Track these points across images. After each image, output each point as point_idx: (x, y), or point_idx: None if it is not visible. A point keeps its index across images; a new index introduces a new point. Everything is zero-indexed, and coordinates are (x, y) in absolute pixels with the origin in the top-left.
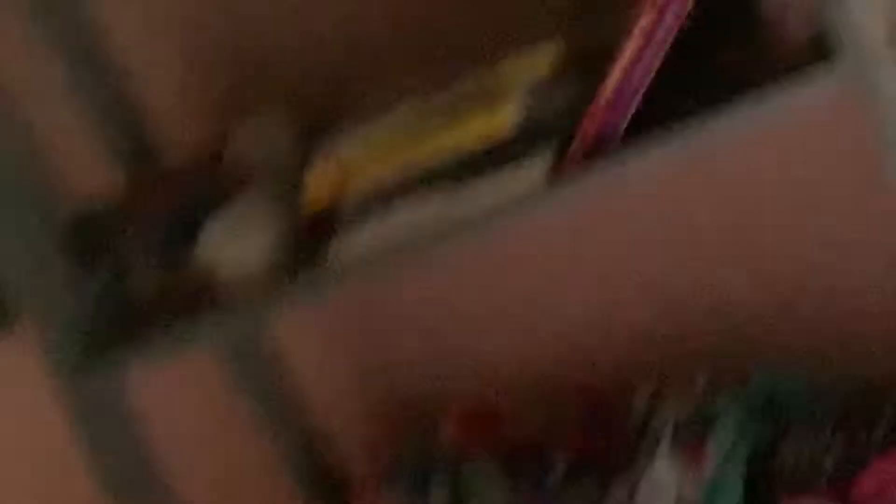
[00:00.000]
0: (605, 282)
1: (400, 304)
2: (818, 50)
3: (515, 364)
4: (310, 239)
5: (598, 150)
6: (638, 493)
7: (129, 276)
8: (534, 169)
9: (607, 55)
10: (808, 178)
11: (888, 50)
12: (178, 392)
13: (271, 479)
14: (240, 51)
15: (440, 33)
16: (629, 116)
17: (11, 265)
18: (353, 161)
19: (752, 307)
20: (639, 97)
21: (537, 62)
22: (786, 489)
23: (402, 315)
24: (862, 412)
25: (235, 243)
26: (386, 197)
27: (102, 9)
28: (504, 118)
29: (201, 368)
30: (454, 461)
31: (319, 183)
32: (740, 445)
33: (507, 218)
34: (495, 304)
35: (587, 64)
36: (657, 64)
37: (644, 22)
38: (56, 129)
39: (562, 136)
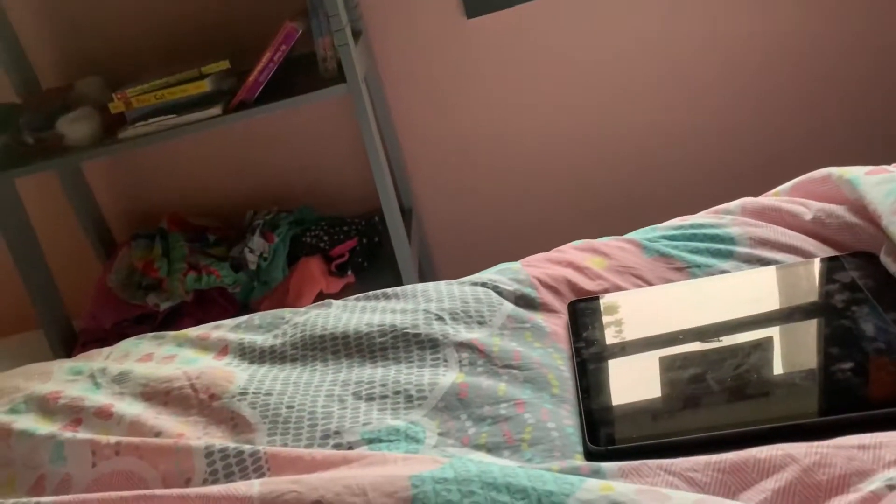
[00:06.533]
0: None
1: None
2: (340, 76)
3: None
4: (112, 127)
5: (244, 105)
6: (244, 251)
7: (23, 136)
8: (216, 108)
9: (250, 68)
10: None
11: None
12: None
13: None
14: (88, 37)
15: (182, 44)
16: (257, 95)
17: None
18: (133, 94)
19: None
20: (261, 88)
21: (218, 66)
22: (306, 253)
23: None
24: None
25: (74, 126)
26: (155, 113)
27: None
28: (204, 86)
29: (50, 182)
30: (164, 233)
31: (117, 104)
32: (286, 235)
33: (209, 126)
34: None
35: (242, 71)
36: (270, 74)
37: (266, 56)
38: None
39: (229, 97)
